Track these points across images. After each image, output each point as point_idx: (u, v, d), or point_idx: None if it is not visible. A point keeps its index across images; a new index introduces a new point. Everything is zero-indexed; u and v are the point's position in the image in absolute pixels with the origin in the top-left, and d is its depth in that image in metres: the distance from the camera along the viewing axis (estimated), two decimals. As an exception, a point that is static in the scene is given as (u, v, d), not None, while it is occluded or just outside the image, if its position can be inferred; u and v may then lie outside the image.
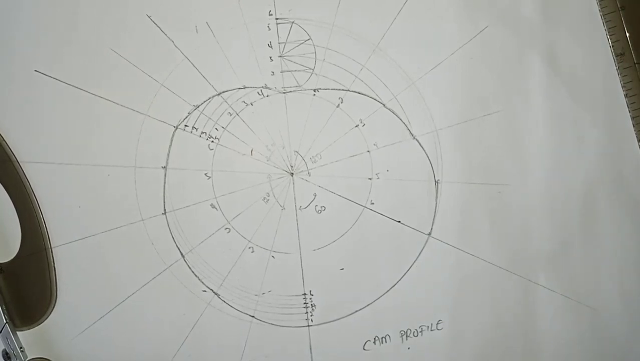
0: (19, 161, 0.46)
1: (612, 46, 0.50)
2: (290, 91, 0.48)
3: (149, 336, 0.48)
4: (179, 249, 0.48)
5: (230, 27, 0.47)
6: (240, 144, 0.48)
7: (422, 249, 0.50)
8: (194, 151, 0.47)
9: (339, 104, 0.48)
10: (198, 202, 0.48)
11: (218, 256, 0.48)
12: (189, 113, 0.47)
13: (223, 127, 0.48)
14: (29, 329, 0.47)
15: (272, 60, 0.48)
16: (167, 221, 0.47)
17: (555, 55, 0.50)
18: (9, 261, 0.46)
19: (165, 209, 0.47)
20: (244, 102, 0.48)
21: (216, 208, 0.48)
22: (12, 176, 0.45)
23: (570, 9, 0.50)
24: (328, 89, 0.48)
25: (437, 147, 0.49)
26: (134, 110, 0.46)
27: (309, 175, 0.49)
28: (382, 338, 0.50)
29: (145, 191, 0.47)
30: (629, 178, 0.51)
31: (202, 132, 0.47)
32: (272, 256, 0.49)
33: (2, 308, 0.46)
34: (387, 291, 0.50)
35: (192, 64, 0.47)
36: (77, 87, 0.46)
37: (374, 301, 0.50)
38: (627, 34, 0.50)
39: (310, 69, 0.48)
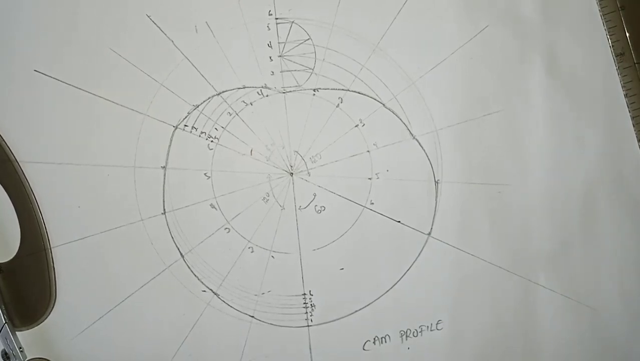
0: (18, 161, 0.46)
1: (612, 46, 0.50)
2: (290, 91, 0.48)
3: (149, 336, 0.48)
4: (178, 249, 0.48)
5: (230, 27, 0.47)
6: (239, 144, 0.48)
7: (422, 249, 0.50)
8: (193, 151, 0.47)
9: (338, 104, 0.48)
10: (198, 202, 0.47)
11: (218, 256, 0.48)
12: (189, 113, 0.47)
13: (223, 127, 0.48)
14: (28, 329, 0.47)
15: (271, 60, 0.48)
16: (166, 221, 0.47)
17: (555, 55, 0.50)
18: (8, 261, 0.46)
19: (164, 209, 0.47)
20: (244, 102, 0.48)
21: (216, 208, 0.48)
22: (12, 176, 0.45)
23: (570, 9, 0.50)
24: (328, 89, 0.48)
25: (437, 147, 0.49)
26: (133, 110, 0.46)
27: (309, 175, 0.49)
28: (382, 338, 0.50)
29: (145, 191, 0.47)
30: (629, 178, 0.51)
31: (202, 132, 0.47)
32: (272, 256, 0.49)
33: (1, 308, 0.46)
34: (387, 291, 0.50)
35: (192, 64, 0.47)
36: (77, 87, 0.46)
37: (374, 301, 0.50)
38: (627, 34, 0.50)
39: (310, 68, 0.48)
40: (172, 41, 0.46)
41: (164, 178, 0.47)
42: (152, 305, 0.47)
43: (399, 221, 0.50)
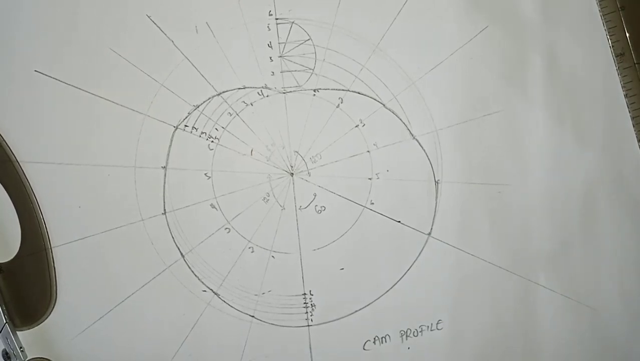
0: (19, 161, 0.46)
1: (612, 46, 0.50)
2: (290, 91, 0.48)
3: (149, 336, 0.48)
4: (178, 249, 0.48)
5: (230, 27, 0.47)
6: (240, 144, 0.48)
7: (422, 249, 0.50)
8: (193, 151, 0.47)
9: (339, 104, 0.48)
10: (198, 202, 0.47)
11: (218, 256, 0.48)
12: (189, 113, 0.47)
13: (223, 128, 0.48)
14: (28, 329, 0.47)
15: (272, 60, 0.48)
16: (167, 221, 0.47)
17: (555, 55, 0.50)
18: (8, 261, 0.46)
19: (165, 209, 0.47)
20: (244, 102, 0.48)
21: (216, 208, 0.48)
22: (12, 176, 0.45)
23: (570, 9, 0.50)
24: (328, 89, 0.48)
25: (437, 147, 0.49)
26: (133, 110, 0.46)
27: (309, 175, 0.49)
28: (382, 338, 0.50)
29: (145, 191, 0.47)
30: (629, 178, 0.51)
31: (202, 132, 0.47)
32: (272, 256, 0.49)
33: (2, 308, 0.46)
34: (387, 291, 0.50)
35: (192, 64, 0.47)
36: (77, 87, 0.46)
37: (374, 301, 0.50)
38: (627, 34, 0.50)
39: (310, 69, 0.48)
40: (172, 41, 0.46)
41: (165, 178, 0.47)
42: (153, 305, 0.47)
43: (399, 221, 0.50)
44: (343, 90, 0.48)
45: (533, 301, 0.51)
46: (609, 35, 0.50)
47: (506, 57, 0.50)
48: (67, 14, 0.45)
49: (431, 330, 0.50)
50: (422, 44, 0.49)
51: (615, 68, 0.50)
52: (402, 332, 0.50)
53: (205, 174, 0.48)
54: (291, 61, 0.48)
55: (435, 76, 0.49)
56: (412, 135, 0.49)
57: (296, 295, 0.49)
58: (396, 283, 0.50)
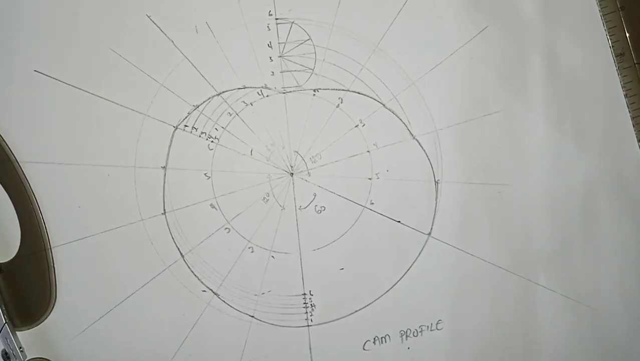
0: (18, 161, 0.46)
1: (612, 46, 0.50)
2: (290, 91, 0.48)
3: (149, 336, 0.48)
4: (178, 249, 0.48)
5: (230, 27, 0.47)
6: (240, 144, 0.48)
7: (422, 249, 0.50)
8: (193, 151, 0.47)
9: (338, 104, 0.48)
10: (198, 202, 0.47)
11: (218, 256, 0.48)
12: (189, 113, 0.47)
13: (223, 127, 0.48)
14: (28, 329, 0.47)
15: (272, 60, 0.48)
16: (166, 221, 0.47)
17: (555, 55, 0.50)
18: (8, 261, 0.46)
19: (165, 209, 0.47)
20: (244, 102, 0.48)
21: (216, 208, 0.48)
22: (12, 176, 0.45)
23: (570, 9, 0.50)
24: (328, 89, 0.48)
25: (437, 147, 0.49)
26: (133, 110, 0.46)
27: (309, 175, 0.49)
28: (382, 338, 0.50)
29: (145, 191, 0.47)
30: (629, 178, 0.51)
31: (202, 132, 0.47)
32: (272, 256, 0.49)
33: (1, 308, 0.46)
34: (387, 291, 0.50)
35: (192, 64, 0.47)
36: (77, 87, 0.46)
37: (374, 301, 0.50)
38: (627, 34, 0.50)
39: (310, 69, 0.48)
40: (172, 41, 0.46)
41: (164, 178, 0.47)
42: (152, 305, 0.47)
43: (399, 221, 0.50)
44: (343, 90, 0.48)
45: (533, 301, 0.51)
46: (609, 35, 0.50)
47: (506, 57, 0.50)
48: (67, 14, 0.45)
49: (431, 330, 0.50)
50: (422, 44, 0.49)
51: (615, 68, 0.50)
52: (402, 332, 0.50)
53: (205, 174, 0.48)
54: (291, 61, 0.48)
55: (435, 76, 0.49)
56: (412, 135, 0.49)
57: (296, 295, 0.49)
58: (396, 283, 0.50)
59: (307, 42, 0.48)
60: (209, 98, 0.47)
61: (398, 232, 0.50)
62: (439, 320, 0.50)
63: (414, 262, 0.50)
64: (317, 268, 0.49)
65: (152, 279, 0.47)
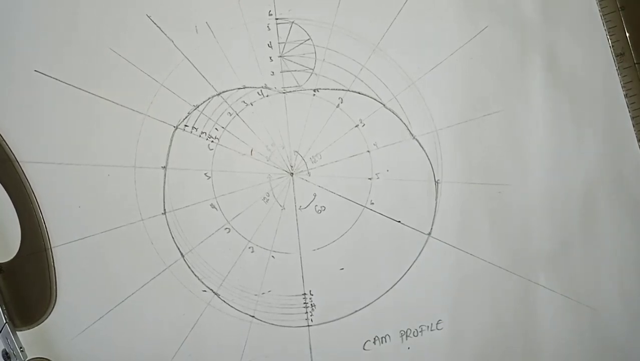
0: (19, 161, 0.46)
1: (612, 46, 0.50)
2: (290, 91, 0.48)
3: (149, 336, 0.48)
4: (178, 249, 0.48)
5: (230, 27, 0.47)
6: (240, 144, 0.48)
7: (422, 249, 0.50)
8: (193, 151, 0.47)
9: (338, 104, 0.48)
10: (198, 202, 0.47)
11: (218, 256, 0.48)
12: (189, 113, 0.47)
13: (223, 127, 0.48)
14: (28, 329, 0.47)
15: (272, 60, 0.48)
16: (166, 221, 0.47)
17: (555, 55, 0.50)
18: (8, 261, 0.46)
19: (165, 209, 0.47)
20: (244, 102, 0.48)
21: (216, 208, 0.48)
22: (12, 176, 0.45)
23: (570, 9, 0.50)
24: (328, 89, 0.48)
25: (437, 147, 0.49)
26: (133, 110, 0.46)
27: (309, 175, 0.49)
28: (382, 338, 0.50)
29: (145, 191, 0.47)
30: (629, 178, 0.51)
31: (202, 132, 0.47)
32: (272, 256, 0.49)
33: (2, 308, 0.46)
34: (387, 291, 0.50)
35: (192, 64, 0.47)
36: (77, 87, 0.46)
37: (374, 301, 0.50)
38: (627, 34, 0.50)
39: (310, 69, 0.48)
40: (172, 41, 0.46)
41: (164, 178, 0.47)
42: (152, 305, 0.47)
43: (399, 221, 0.50)
44: (343, 90, 0.48)
45: (533, 301, 0.51)
46: (609, 35, 0.50)
47: (506, 57, 0.50)
48: (67, 14, 0.45)
49: (431, 330, 0.50)
50: (422, 44, 0.49)
51: (615, 68, 0.50)
52: (402, 332, 0.50)
53: (205, 174, 0.48)
54: (291, 61, 0.48)
55: (435, 76, 0.49)
56: (412, 135, 0.49)
57: (296, 295, 0.49)
58: (396, 283, 0.50)
59: (307, 42, 0.48)
60: (209, 98, 0.47)
61: (398, 232, 0.50)
62: (439, 320, 0.50)
63: (414, 262, 0.50)
64: (317, 268, 0.49)
65: (152, 279, 0.47)
